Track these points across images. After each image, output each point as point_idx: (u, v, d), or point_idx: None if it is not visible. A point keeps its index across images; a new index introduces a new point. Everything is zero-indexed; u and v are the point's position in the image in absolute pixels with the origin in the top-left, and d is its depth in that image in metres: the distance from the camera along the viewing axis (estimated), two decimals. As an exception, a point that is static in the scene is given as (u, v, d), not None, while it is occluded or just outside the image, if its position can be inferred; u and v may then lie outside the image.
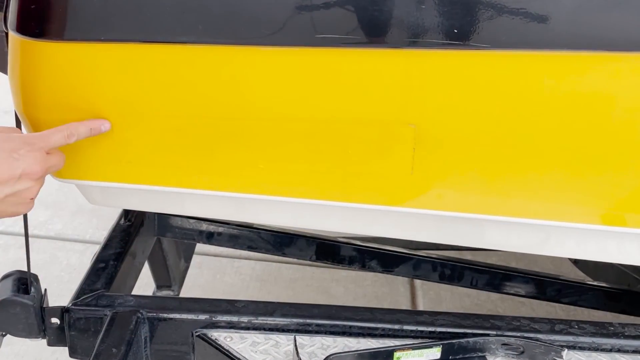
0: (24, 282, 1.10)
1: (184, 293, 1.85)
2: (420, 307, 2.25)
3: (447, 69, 0.92)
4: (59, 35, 0.95)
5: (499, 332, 1.06)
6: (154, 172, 1.06)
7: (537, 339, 1.06)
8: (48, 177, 1.12)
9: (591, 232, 1.04)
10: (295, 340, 1.05)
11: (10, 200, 0.88)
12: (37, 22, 0.95)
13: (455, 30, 0.88)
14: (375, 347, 1.04)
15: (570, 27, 0.88)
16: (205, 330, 1.08)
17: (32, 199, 0.91)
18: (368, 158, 1.00)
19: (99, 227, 2.59)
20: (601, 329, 1.09)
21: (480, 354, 1.06)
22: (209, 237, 1.50)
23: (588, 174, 0.98)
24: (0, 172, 0.85)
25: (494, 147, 0.97)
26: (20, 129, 1.08)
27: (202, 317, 1.08)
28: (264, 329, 1.08)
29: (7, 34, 1.00)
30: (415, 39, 0.89)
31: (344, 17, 0.90)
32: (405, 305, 2.26)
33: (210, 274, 2.38)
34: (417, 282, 2.34)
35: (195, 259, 2.15)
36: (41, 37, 0.95)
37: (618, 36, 0.88)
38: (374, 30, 0.91)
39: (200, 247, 2.02)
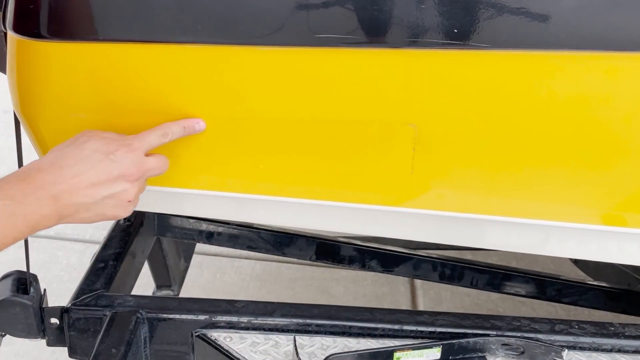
0: (23, 282, 1.10)
1: (184, 292, 1.85)
2: (421, 306, 2.24)
3: (447, 68, 0.91)
4: (57, 35, 0.95)
5: (499, 332, 1.06)
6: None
7: (538, 339, 1.06)
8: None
9: (592, 233, 1.03)
10: (295, 341, 1.05)
11: (108, 202, 0.88)
12: (34, 22, 0.95)
13: (455, 30, 0.88)
14: (375, 347, 1.04)
15: (571, 26, 0.88)
16: (204, 331, 1.07)
17: (129, 201, 0.91)
18: (368, 158, 1.00)
19: (99, 226, 2.59)
20: (601, 329, 1.09)
21: (480, 354, 1.05)
22: (209, 237, 1.50)
23: (589, 174, 0.97)
24: (98, 174, 0.86)
25: (494, 147, 0.97)
26: (20, 128, 1.08)
27: (202, 317, 1.08)
28: (264, 329, 1.08)
29: (5, 33, 1.00)
30: (415, 38, 0.89)
31: (343, 17, 0.90)
32: (405, 304, 2.26)
33: (210, 274, 2.38)
34: (418, 281, 2.34)
35: (195, 259, 2.15)
36: (38, 36, 0.95)
37: (620, 36, 0.88)
38: (374, 30, 0.90)
39: (200, 246, 2.02)
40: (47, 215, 0.82)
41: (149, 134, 0.94)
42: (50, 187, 0.82)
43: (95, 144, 0.88)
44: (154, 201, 1.14)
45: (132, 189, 0.90)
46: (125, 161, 0.89)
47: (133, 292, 1.32)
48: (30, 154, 1.13)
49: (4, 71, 1.05)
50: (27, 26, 0.95)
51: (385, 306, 2.22)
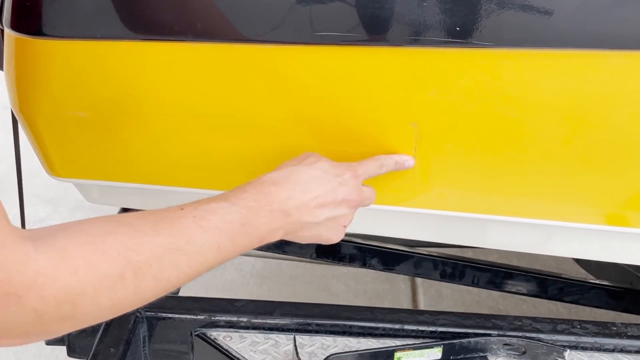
0: (22, 280, 1.09)
1: (184, 290, 1.83)
2: (421, 304, 2.24)
3: (448, 67, 0.91)
4: (55, 32, 0.94)
5: (501, 332, 1.06)
6: (153, 172, 1.05)
7: (539, 339, 1.05)
8: (45, 175, 1.11)
9: (595, 233, 1.03)
10: (295, 340, 1.04)
11: (328, 224, 0.88)
12: (32, 19, 0.94)
13: (458, 28, 0.87)
14: (375, 347, 1.03)
15: (575, 24, 0.87)
16: (204, 330, 1.07)
17: (344, 226, 0.91)
18: (369, 157, 0.99)
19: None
20: (604, 329, 1.09)
21: (481, 354, 1.05)
22: (209, 235, 1.49)
23: (592, 174, 0.96)
24: (326, 194, 0.86)
25: (496, 146, 0.96)
26: (17, 127, 1.07)
27: (201, 316, 1.07)
28: (264, 329, 1.07)
29: (2, 30, 0.99)
30: (416, 36, 0.88)
31: (344, 15, 0.89)
32: (406, 302, 2.25)
33: (211, 271, 2.37)
34: (418, 278, 2.34)
35: (195, 256, 2.13)
36: (36, 34, 0.94)
37: (623, 34, 0.87)
38: (375, 28, 0.90)
39: (200, 243, 2.01)
40: (275, 229, 0.82)
41: (369, 164, 0.95)
42: (283, 202, 0.83)
43: (325, 165, 0.89)
44: (153, 200, 1.13)
45: (350, 215, 0.91)
46: (350, 186, 0.89)
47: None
48: (30, 153, 1.12)
49: (2, 68, 1.04)
50: (24, 23, 0.94)
51: (386, 303, 2.21)
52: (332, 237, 0.90)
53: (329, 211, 0.87)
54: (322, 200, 0.86)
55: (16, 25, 0.95)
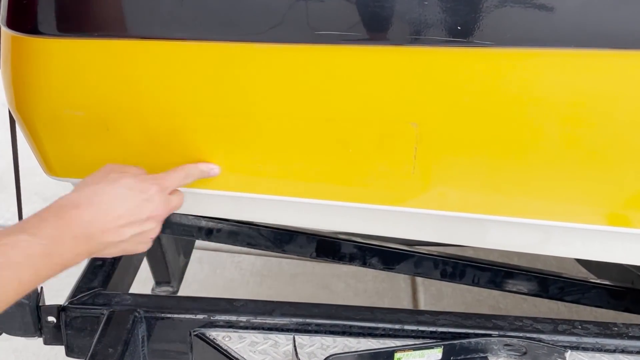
0: (20, 280, 1.08)
1: (184, 288, 1.84)
2: (422, 302, 2.24)
3: (449, 66, 0.90)
4: (52, 31, 0.94)
5: (501, 333, 1.05)
6: (151, 171, 1.05)
7: (540, 340, 1.05)
8: (43, 174, 1.11)
9: (596, 233, 1.02)
10: (294, 340, 1.04)
11: (134, 239, 0.89)
12: (29, 18, 0.93)
13: (458, 27, 0.86)
14: (375, 347, 1.03)
15: (576, 24, 0.86)
16: (203, 330, 1.06)
17: (152, 238, 0.92)
18: (369, 157, 0.98)
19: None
20: (605, 330, 1.08)
21: (482, 355, 1.04)
22: (208, 234, 1.49)
23: (593, 174, 0.96)
24: (131, 213, 0.87)
25: (497, 146, 0.95)
26: (15, 127, 1.06)
27: (200, 316, 1.07)
28: (263, 329, 1.07)
29: (-1, 29, 0.98)
30: (417, 36, 0.88)
31: (344, 14, 0.88)
32: (406, 300, 2.25)
33: (211, 269, 2.37)
34: (419, 277, 2.33)
35: (195, 254, 2.14)
36: (33, 33, 0.93)
37: (625, 33, 0.86)
38: (375, 27, 0.89)
39: (200, 241, 2.01)
40: (80, 254, 0.82)
41: (174, 175, 0.96)
42: (86, 225, 0.82)
43: (129, 181, 0.89)
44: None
45: (157, 228, 0.92)
46: (156, 202, 0.90)
47: (133, 286, 1.31)
48: (30, 151, 1.11)
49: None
50: (21, 22, 0.94)
51: (386, 302, 2.21)
52: (138, 249, 0.91)
53: (136, 228, 0.88)
54: (127, 219, 0.86)
55: (12, 24, 0.94)
